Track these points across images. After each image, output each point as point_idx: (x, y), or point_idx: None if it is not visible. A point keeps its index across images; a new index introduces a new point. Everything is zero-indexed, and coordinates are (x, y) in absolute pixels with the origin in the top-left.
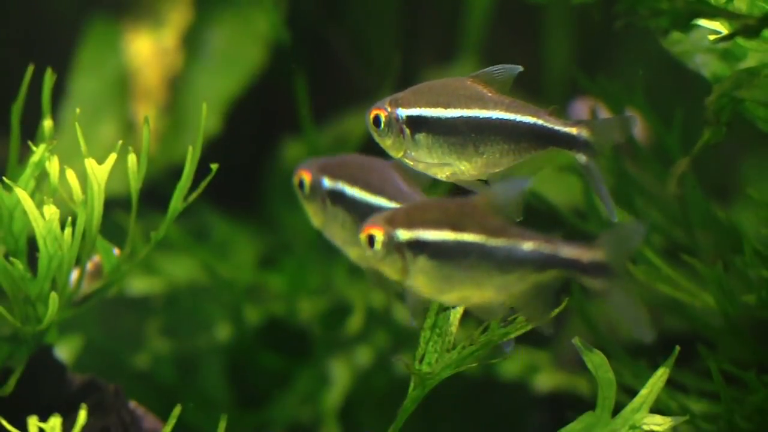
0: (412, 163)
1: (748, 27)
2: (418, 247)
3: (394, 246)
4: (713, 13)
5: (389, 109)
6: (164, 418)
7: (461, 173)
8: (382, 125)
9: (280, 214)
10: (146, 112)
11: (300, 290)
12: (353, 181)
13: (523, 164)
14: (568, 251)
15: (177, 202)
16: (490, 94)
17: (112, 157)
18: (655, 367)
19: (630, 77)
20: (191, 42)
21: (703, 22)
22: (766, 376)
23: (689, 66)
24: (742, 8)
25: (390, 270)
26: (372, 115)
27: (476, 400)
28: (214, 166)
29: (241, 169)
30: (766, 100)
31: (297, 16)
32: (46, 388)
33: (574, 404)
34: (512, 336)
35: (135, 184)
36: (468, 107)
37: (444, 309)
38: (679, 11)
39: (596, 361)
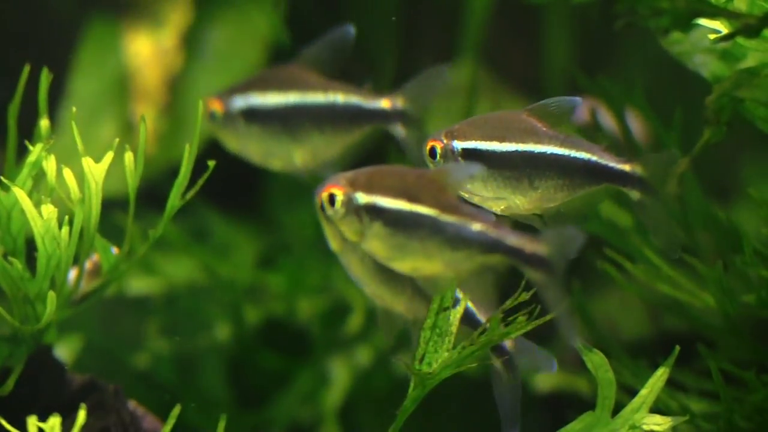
0: (467, 195)
1: (748, 27)
2: (374, 212)
3: (353, 208)
4: (713, 13)
5: (445, 141)
6: (164, 418)
7: (516, 207)
8: (438, 157)
9: (280, 214)
10: (146, 113)
11: (299, 290)
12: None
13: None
14: (513, 240)
15: (175, 200)
16: (545, 129)
17: (109, 156)
18: (655, 367)
19: (630, 77)
20: (191, 42)
21: (703, 22)
22: (766, 376)
23: (689, 66)
24: (742, 8)
25: (347, 230)
26: (428, 147)
27: (476, 400)
28: (211, 164)
29: (241, 169)
30: (766, 100)
31: (296, 16)
32: (45, 388)
33: (574, 404)
34: (512, 336)
35: (133, 183)
36: (523, 141)
37: (444, 309)
38: (679, 11)
39: (596, 361)
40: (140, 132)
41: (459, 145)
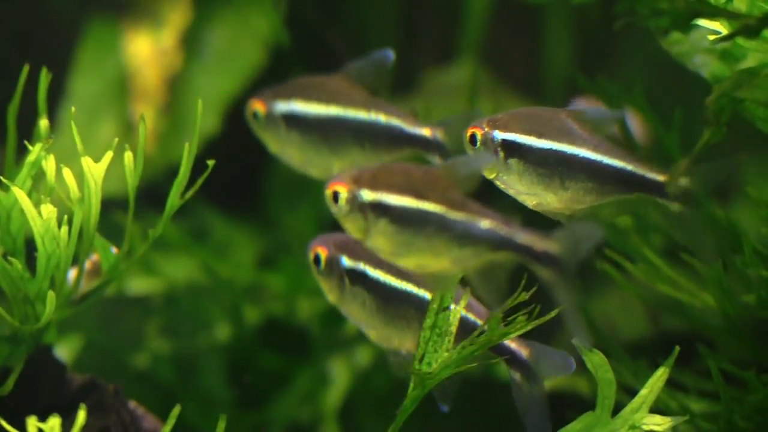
0: (503, 186)
1: (748, 27)
2: (380, 209)
3: (357, 205)
4: (713, 13)
5: (486, 129)
6: (164, 418)
7: (547, 204)
8: (478, 143)
9: (280, 214)
10: (145, 113)
11: (299, 290)
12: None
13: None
14: (523, 237)
15: (174, 199)
16: (582, 131)
17: (109, 155)
18: (655, 367)
19: (630, 77)
20: (190, 42)
21: (702, 23)
22: (766, 376)
23: (689, 66)
24: (742, 8)
25: (352, 228)
26: (469, 133)
27: (476, 400)
28: (210, 163)
29: (241, 169)
30: (766, 100)
31: (296, 16)
32: (45, 388)
33: (574, 404)
34: (512, 336)
35: (132, 182)
36: (559, 140)
37: (443, 309)
38: (679, 11)
39: (596, 361)
40: (140, 132)
41: (500, 135)
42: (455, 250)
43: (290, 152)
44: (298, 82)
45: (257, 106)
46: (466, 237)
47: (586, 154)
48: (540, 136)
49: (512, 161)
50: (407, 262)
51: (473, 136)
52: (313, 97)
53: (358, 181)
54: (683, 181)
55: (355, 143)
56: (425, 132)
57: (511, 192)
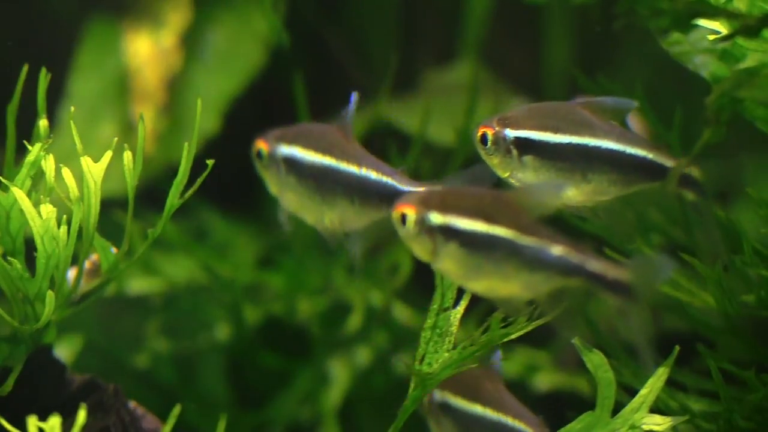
0: (518, 184)
1: (748, 27)
2: (450, 232)
3: (425, 228)
4: (713, 13)
5: (497, 128)
6: (164, 418)
7: (567, 198)
8: (489, 143)
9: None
10: (145, 113)
11: (299, 290)
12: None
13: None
14: (595, 265)
15: (174, 199)
16: (601, 122)
17: (108, 155)
18: (655, 367)
19: (630, 77)
20: (190, 42)
21: (702, 23)
22: (766, 375)
23: (689, 66)
24: (742, 8)
25: (419, 250)
26: (479, 133)
27: None
28: (210, 163)
29: (241, 168)
30: (766, 100)
31: (296, 16)
32: (45, 388)
33: (574, 404)
34: (512, 336)
35: (131, 181)
36: (579, 134)
37: (444, 309)
38: (679, 11)
39: (596, 361)
40: (139, 132)
41: (512, 133)
42: (525, 276)
43: (287, 195)
44: (303, 127)
45: (261, 146)
46: (537, 262)
47: (610, 145)
48: (557, 131)
49: (528, 158)
50: (476, 286)
51: (484, 136)
52: (313, 145)
53: (427, 204)
54: (695, 173)
55: (345, 196)
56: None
57: None
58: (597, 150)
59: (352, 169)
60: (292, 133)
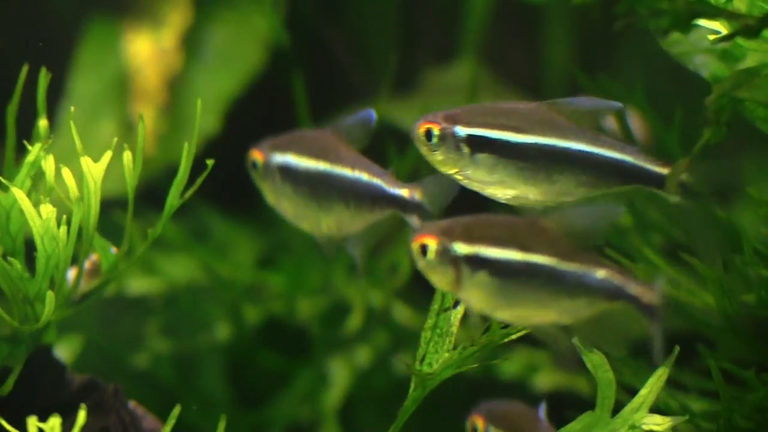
0: (465, 180)
1: (748, 27)
2: (478, 262)
3: (448, 258)
4: (713, 13)
5: (444, 125)
6: (164, 418)
7: (525, 198)
8: (435, 139)
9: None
10: (145, 113)
11: (299, 290)
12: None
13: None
14: (634, 287)
15: (174, 199)
16: (569, 123)
17: (108, 155)
18: (655, 367)
19: (630, 77)
20: (190, 42)
21: (702, 23)
22: (766, 375)
23: (689, 66)
24: (742, 8)
25: (440, 281)
26: (423, 129)
27: (476, 400)
28: (210, 163)
29: (241, 169)
30: (766, 100)
31: (296, 16)
32: (45, 389)
33: (574, 404)
34: (513, 337)
35: (131, 181)
36: (544, 135)
37: (444, 309)
38: (679, 11)
39: (596, 360)
40: (139, 132)
41: (464, 131)
42: (565, 302)
43: (284, 204)
44: (295, 135)
45: (256, 156)
46: (579, 288)
47: (584, 148)
48: (519, 130)
49: (482, 156)
50: (505, 314)
51: (429, 132)
52: (306, 151)
53: (449, 234)
54: (683, 176)
55: (340, 200)
56: (404, 192)
57: (474, 186)
58: (566, 152)
59: (346, 172)
60: (286, 141)
